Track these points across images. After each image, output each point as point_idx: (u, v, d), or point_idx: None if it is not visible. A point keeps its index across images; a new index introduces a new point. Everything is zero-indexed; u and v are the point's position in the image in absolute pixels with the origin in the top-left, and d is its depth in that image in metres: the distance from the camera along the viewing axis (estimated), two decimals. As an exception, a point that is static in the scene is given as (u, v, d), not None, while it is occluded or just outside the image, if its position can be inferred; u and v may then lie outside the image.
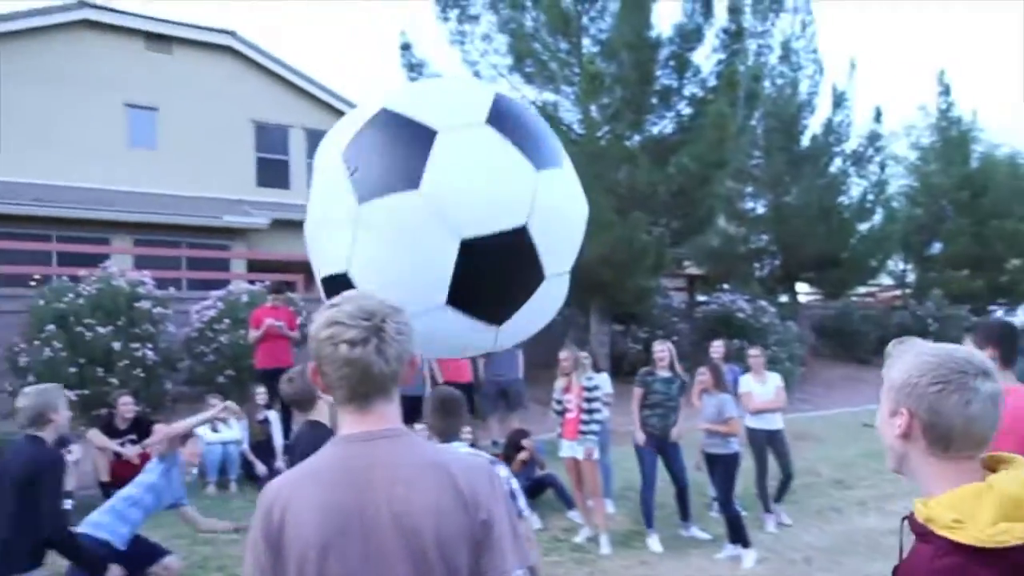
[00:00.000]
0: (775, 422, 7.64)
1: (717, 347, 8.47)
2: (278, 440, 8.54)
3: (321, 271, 2.32)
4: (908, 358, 1.51)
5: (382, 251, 2.08)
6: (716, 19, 12.98)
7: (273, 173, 19.64)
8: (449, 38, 13.49)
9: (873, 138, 17.91)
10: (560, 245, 2.19)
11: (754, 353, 7.92)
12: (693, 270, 19.94)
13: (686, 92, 12.99)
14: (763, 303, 14.98)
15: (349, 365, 1.52)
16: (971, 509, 1.36)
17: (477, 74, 13.56)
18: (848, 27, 74.19)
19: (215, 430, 8.06)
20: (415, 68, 13.71)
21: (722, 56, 12.82)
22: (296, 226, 18.14)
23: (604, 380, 7.96)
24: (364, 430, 1.56)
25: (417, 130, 2.07)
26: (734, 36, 12.64)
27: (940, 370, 1.45)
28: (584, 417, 7.01)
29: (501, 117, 2.14)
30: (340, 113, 20.07)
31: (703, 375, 7.00)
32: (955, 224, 21.21)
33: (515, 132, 2.12)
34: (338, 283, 2.10)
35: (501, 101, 2.28)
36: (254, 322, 9.14)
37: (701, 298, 17.78)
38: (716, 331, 14.56)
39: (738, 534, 6.48)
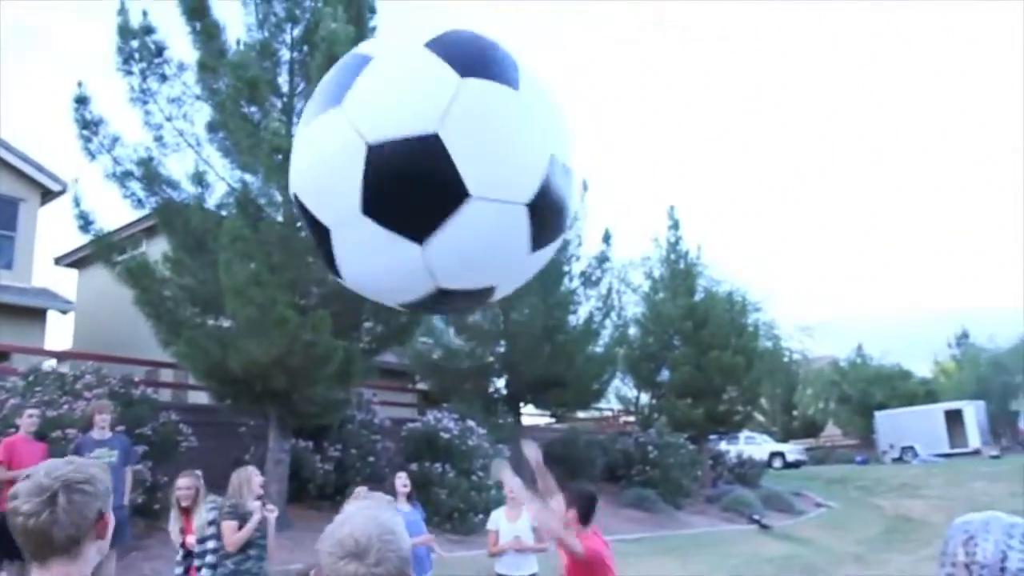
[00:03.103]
0: (529, 565, 6.44)
1: (402, 479, 7.19)
2: None
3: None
4: (330, 526, 1.63)
5: (308, 168, 1.90)
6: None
7: (-77, 237, 16.22)
8: (130, 95, 11.57)
9: (602, 259, 17.84)
10: (495, 167, 1.75)
11: (510, 485, 6.76)
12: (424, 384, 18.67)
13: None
14: (471, 423, 13.79)
15: (26, 536, 1.75)
16: None
17: (160, 139, 11.72)
18: (587, 151, 79.56)
19: None
20: (89, 126, 11.63)
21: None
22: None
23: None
24: None
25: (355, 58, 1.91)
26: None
27: (325, 546, 1.55)
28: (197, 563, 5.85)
29: (440, 40, 1.83)
30: (24, 176, 17.29)
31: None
32: (680, 353, 21.64)
33: (446, 46, 1.80)
34: None
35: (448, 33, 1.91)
36: None
37: (408, 415, 16.40)
38: (419, 452, 13.22)
39: None
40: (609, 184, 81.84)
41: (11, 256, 17.30)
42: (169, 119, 11.68)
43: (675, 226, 23.15)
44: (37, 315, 16.92)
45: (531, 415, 19.63)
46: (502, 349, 17.19)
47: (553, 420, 19.69)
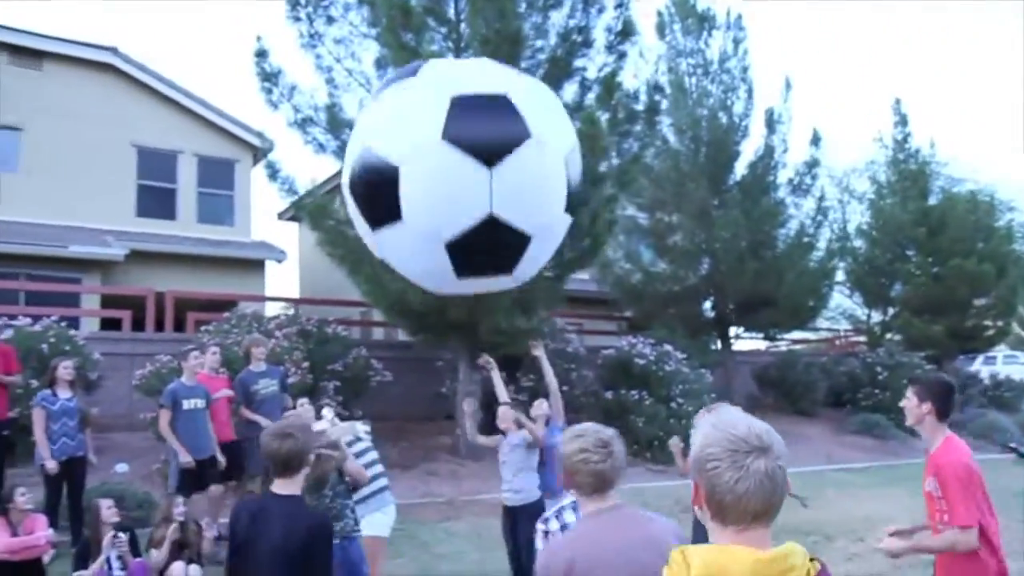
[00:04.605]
0: None
1: (539, 406, 6.78)
2: None
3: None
4: (704, 429, 1.55)
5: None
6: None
7: (157, 202, 17.79)
8: (300, 41, 11.72)
9: (812, 164, 16.11)
10: (536, 207, 2.46)
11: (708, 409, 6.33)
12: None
13: (565, 98, 11.21)
14: (668, 348, 12.98)
15: (595, 476, 2.53)
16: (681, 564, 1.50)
17: (331, 81, 11.81)
18: (792, 51, 72.17)
19: None
20: (270, 78, 11.94)
21: (608, 59, 11.09)
22: (164, 259, 16.35)
23: (353, 428, 5.86)
24: (603, 507, 2.56)
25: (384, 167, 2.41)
26: (620, 35, 10.90)
27: (715, 447, 1.49)
28: None
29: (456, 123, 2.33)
30: (236, 139, 18.38)
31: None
32: (914, 264, 19.31)
33: (467, 134, 2.31)
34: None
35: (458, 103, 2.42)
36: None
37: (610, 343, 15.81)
38: (615, 380, 12.71)
39: None
40: (823, 81, 74.39)
41: (232, 213, 18.64)
42: (338, 60, 11.73)
43: (902, 122, 20.52)
44: (256, 266, 18.16)
45: (745, 338, 18.39)
46: (705, 270, 16.14)
47: (768, 343, 18.33)
